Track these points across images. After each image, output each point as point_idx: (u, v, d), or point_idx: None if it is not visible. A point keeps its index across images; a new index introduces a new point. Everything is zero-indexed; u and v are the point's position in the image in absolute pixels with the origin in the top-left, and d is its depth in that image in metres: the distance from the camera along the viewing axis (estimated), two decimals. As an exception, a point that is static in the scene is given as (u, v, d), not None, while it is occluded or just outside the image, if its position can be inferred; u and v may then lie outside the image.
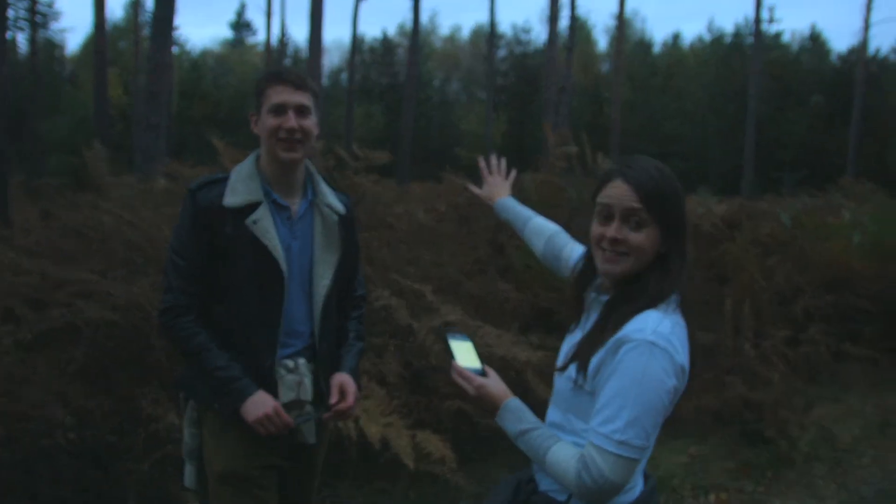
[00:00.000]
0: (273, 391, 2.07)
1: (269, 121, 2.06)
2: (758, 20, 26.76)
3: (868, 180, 12.10)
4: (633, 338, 1.49)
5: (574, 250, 2.04)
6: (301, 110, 2.07)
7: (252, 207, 2.05)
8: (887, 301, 6.35)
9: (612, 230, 1.57)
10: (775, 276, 6.11)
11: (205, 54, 51.16)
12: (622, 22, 25.55)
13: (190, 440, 2.15)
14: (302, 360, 2.13)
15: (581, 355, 1.59)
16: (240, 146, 7.58)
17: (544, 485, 1.69)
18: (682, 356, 1.51)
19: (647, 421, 1.48)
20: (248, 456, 2.07)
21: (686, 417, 4.82)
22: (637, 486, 1.66)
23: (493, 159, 2.46)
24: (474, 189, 2.45)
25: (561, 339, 4.55)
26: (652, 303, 1.55)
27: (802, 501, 4.15)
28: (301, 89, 2.08)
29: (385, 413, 3.38)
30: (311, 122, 2.10)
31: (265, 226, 2.05)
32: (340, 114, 34.06)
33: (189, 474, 2.18)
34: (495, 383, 1.70)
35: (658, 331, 1.49)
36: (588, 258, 1.76)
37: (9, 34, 33.51)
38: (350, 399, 2.15)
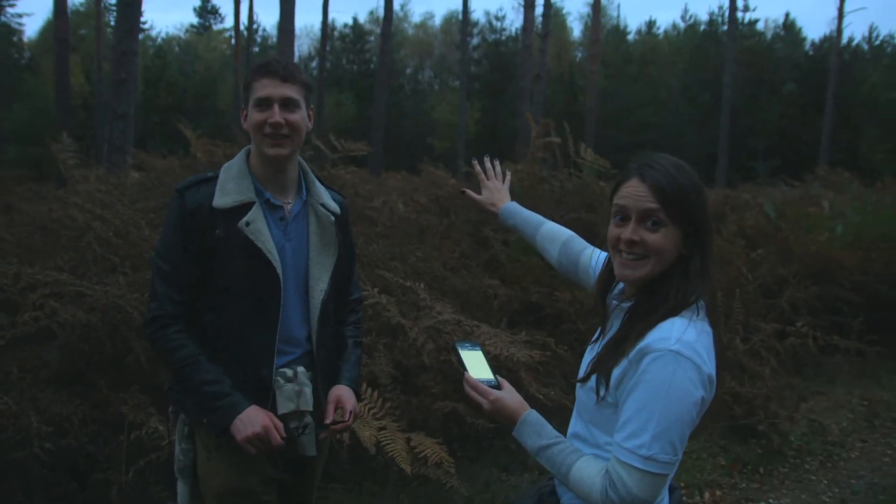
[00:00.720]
0: (271, 402, 1.95)
1: (255, 115, 1.94)
2: (732, 8, 26.88)
3: (842, 169, 12.22)
4: (656, 347, 1.41)
5: (592, 256, 1.94)
6: (287, 103, 1.95)
7: (244, 208, 1.93)
8: (871, 292, 6.37)
9: (627, 232, 1.50)
10: (760, 269, 6.09)
11: (170, 41, 50.24)
12: (597, 9, 25.45)
13: (182, 456, 2.01)
14: (301, 369, 2.01)
15: (602, 366, 1.51)
16: (208, 136, 7.39)
17: (567, 498, 1.63)
18: (709, 366, 1.43)
19: (674, 435, 1.40)
20: (249, 471, 1.96)
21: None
22: (664, 501, 1.59)
23: (488, 161, 2.32)
24: (473, 195, 2.30)
25: (550, 334, 4.46)
26: (675, 310, 1.46)
27: (797, 497, 4.12)
28: (288, 81, 1.95)
29: (378, 416, 3.26)
30: (298, 116, 1.97)
31: (258, 227, 1.92)
32: (311, 103, 33.63)
33: (182, 493, 2.04)
34: (511, 396, 1.61)
35: (683, 339, 1.40)
36: (609, 263, 1.66)
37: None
38: (348, 417, 2.06)
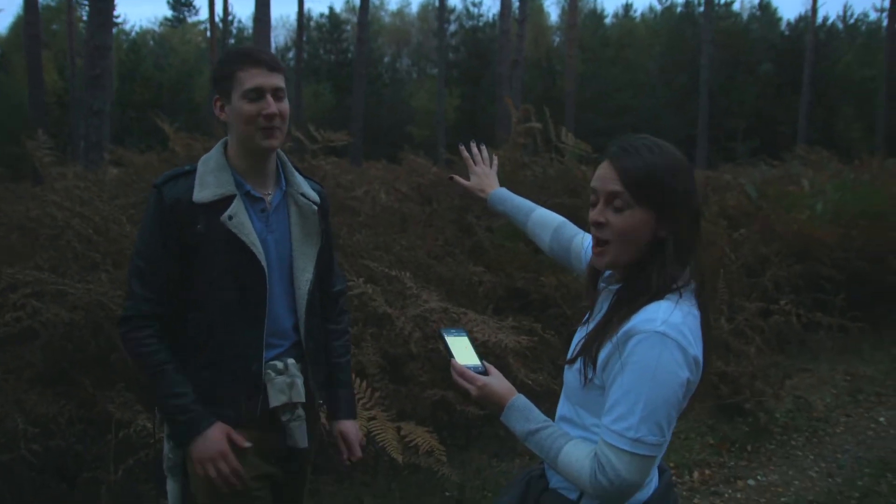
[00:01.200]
0: (262, 395, 1.94)
1: (246, 107, 1.88)
2: (708, -11, 26.93)
3: (819, 147, 12.33)
4: (642, 329, 1.40)
5: (584, 241, 1.93)
6: (277, 93, 1.91)
7: (225, 202, 1.89)
8: (852, 269, 6.45)
9: (595, 212, 1.50)
10: (743, 249, 6.14)
11: (144, 34, 49.62)
12: (573, -6, 25.43)
13: (171, 454, 1.98)
14: (291, 361, 1.99)
15: (589, 348, 1.51)
16: (184, 130, 7.32)
17: (555, 481, 1.63)
18: (696, 348, 1.42)
19: (661, 416, 1.40)
20: (248, 466, 1.93)
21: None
22: (652, 481, 1.60)
23: (475, 147, 2.29)
24: (462, 182, 2.26)
25: (536, 319, 4.47)
26: (659, 293, 1.45)
27: (784, 473, 4.17)
28: (276, 70, 1.91)
29: (367, 406, 3.25)
30: (286, 106, 1.94)
31: (241, 220, 1.89)
32: (289, 93, 33.39)
33: (173, 492, 2.02)
34: (498, 381, 1.61)
35: (669, 321, 1.40)
36: None
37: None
38: (357, 451, 2.16)
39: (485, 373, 1.61)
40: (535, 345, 3.78)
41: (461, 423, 4.13)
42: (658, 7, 48.39)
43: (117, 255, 3.83)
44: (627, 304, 1.47)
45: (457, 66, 41.23)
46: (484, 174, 2.25)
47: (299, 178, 2.08)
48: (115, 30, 38.09)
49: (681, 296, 1.45)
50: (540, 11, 47.77)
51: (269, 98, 1.89)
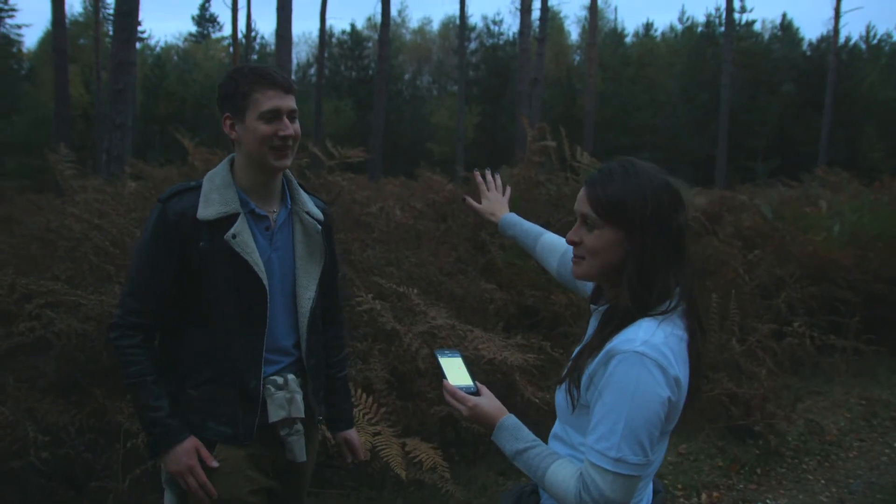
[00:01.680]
0: (261, 410, 1.96)
1: (261, 127, 1.90)
2: (729, 9, 26.92)
3: (840, 168, 12.23)
4: (621, 349, 1.43)
5: None
6: (292, 115, 1.95)
7: (229, 220, 1.91)
8: (868, 291, 6.38)
9: (570, 232, 1.58)
10: (757, 270, 6.10)
11: (168, 50, 50.35)
12: (594, 12, 25.53)
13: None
14: (291, 376, 2.02)
15: (575, 369, 1.54)
16: (205, 145, 7.42)
17: (546, 499, 1.65)
18: (676, 368, 1.43)
19: (642, 436, 1.42)
20: (238, 482, 1.95)
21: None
22: (643, 502, 1.61)
23: (489, 174, 2.37)
24: (474, 204, 2.33)
25: (546, 338, 4.47)
26: (635, 312, 1.48)
27: (794, 497, 4.13)
28: (290, 92, 1.95)
29: (373, 422, 3.27)
30: (299, 127, 1.98)
31: (244, 239, 1.91)
32: (309, 109, 33.73)
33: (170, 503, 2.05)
34: (489, 401, 1.64)
35: (649, 341, 1.42)
36: None
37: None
38: (361, 454, 2.29)
39: (477, 393, 1.64)
40: (542, 363, 3.78)
41: (468, 439, 4.13)
42: (679, 26, 48.46)
43: (130, 268, 3.89)
44: (609, 325, 1.51)
45: (477, 84, 41.46)
46: (496, 199, 2.32)
47: (304, 196, 2.10)
48: (139, 45, 38.81)
49: (665, 317, 1.47)
50: (560, 30, 47.93)
51: (286, 120, 1.92)
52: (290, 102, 1.94)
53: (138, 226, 4.27)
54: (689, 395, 1.50)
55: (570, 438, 1.59)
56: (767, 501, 4.07)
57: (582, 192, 1.56)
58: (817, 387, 5.84)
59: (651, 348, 1.41)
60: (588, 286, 1.91)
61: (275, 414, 1.97)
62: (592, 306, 1.68)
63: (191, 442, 1.90)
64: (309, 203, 2.10)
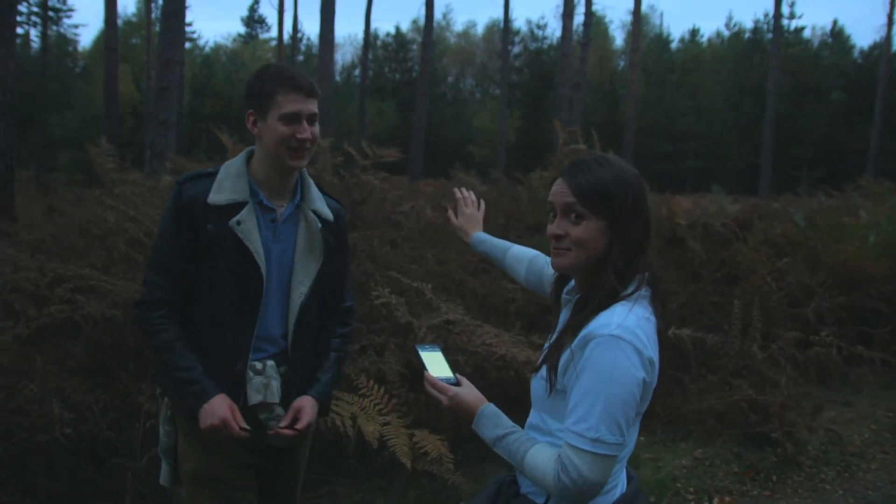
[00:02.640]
0: (243, 394, 2.03)
1: (281, 128, 1.99)
2: (777, 15, 26.46)
3: (888, 179, 11.94)
4: (598, 333, 1.49)
5: None
6: (312, 118, 2.03)
7: (237, 207, 2.00)
8: (900, 302, 6.26)
9: (553, 226, 1.61)
10: (787, 278, 6.04)
11: (217, 50, 51.35)
12: (638, 17, 25.35)
13: (165, 438, 2.13)
14: (271, 363, 2.08)
15: (551, 356, 1.60)
16: (249, 143, 7.61)
17: (525, 487, 1.69)
18: (650, 350, 1.51)
19: (619, 416, 1.47)
20: (221, 456, 2.03)
21: (690, 419, 4.76)
22: (618, 487, 1.66)
23: (465, 191, 2.49)
24: (452, 219, 2.47)
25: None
26: (608, 298, 1.54)
27: (808, 506, 4.09)
28: (313, 96, 2.03)
29: (383, 412, 3.35)
30: (317, 130, 2.07)
31: (248, 227, 2.00)
32: (353, 110, 34.09)
33: (165, 473, 2.16)
34: (468, 391, 1.70)
35: (623, 325, 1.48)
36: None
37: (21, 29, 33.85)
38: (301, 426, 2.05)
39: (457, 384, 1.71)
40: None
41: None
42: (725, 32, 47.80)
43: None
44: (584, 311, 1.56)
45: (519, 88, 41.43)
46: (471, 216, 2.44)
47: (315, 194, 2.17)
48: (188, 45, 39.64)
49: (635, 301, 1.54)
50: (605, 35, 47.64)
51: (305, 123, 2.01)
52: (311, 106, 2.01)
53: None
54: (659, 375, 1.56)
55: (546, 426, 1.63)
56: (781, 508, 4.04)
57: (561, 184, 1.61)
58: (844, 398, 5.75)
59: (626, 331, 1.48)
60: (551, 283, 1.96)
61: (252, 397, 2.03)
62: (564, 297, 1.73)
63: (223, 398, 1.97)
64: (318, 201, 2.15)
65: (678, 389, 4.93)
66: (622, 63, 46.43)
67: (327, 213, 2.16)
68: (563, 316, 1.70)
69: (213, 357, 2.01)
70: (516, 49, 43.48)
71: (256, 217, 2.04)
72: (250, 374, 2.05)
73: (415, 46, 44.20)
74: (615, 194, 1.56)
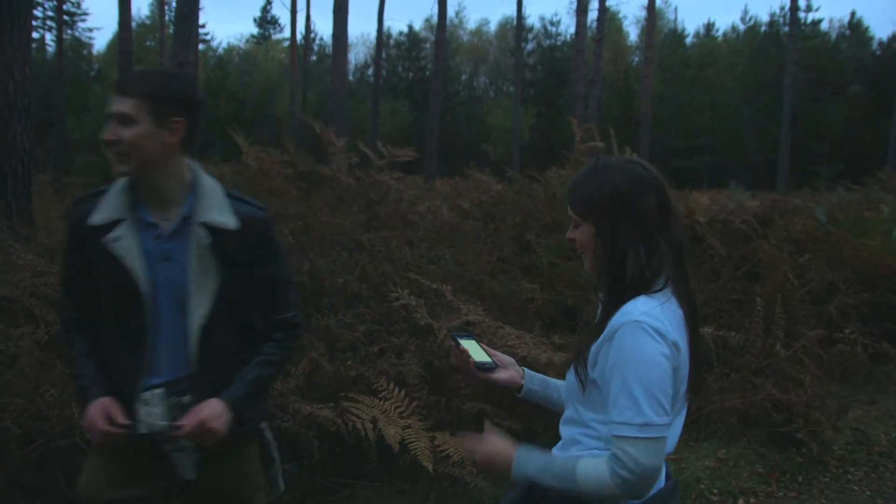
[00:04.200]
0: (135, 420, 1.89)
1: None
2: (794, 8, 26.17)
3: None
4: (622, 322, 1.53)
5: None
6: (122, 118, 1.81)
7: (113, 225, 1.87)
8: (926, 299, 6.15)
9: (567, 232, 1.74)
10: (809, 274, 5.96)
11: (230, 51, 51.63)
12: (652, 12, 25.21)
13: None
14: (159, 391, 1.87)
15: (581, 347, 1.64)
16: (265, 144, 7.61)
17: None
18: (674, 334, 1.53)
19: (659, 395, 1.50)
20: (111, 483, 1.93)
21: (713, 419, 4.70)
22: (658, 484, 1.65)
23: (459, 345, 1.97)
24: (497, 379, 1.89)
25: (584, 337, 4.45)
26: (634, 291, 1.58)
27: (835, 507, 4.02)
28: (123, 94, 1.82)
29: (403, 415, 3.32)
30: (135, 133, 1.81)
31: (126, 245, 1.86)
32: (366, 110, 34.12)
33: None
34: (495, 440, 1.70)
35: (645, 311, 1.53)
36: None
37: (37, 34, 34.17)
38: (189, 421, 1.83)
39: (494, 367, 1.85)
40: (575, 361, 3.78)
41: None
42: (741, 26, 47.40)
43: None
44: (609, 305, 1.62)
45: (533, 85, 41.33)
46: (510, 364, 1.94)
47: (213, 203, 1.94)
48: (202, 47, 39.83)
49: (659, 294, 1.58)
50: (619, 31, 47.43)
51: (113, 123, 1.84)
52: (119, 105, 1.82)
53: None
54: (693, 378, 1.60)
55: (580, 416, 1.65)
56: (807, 510, 3.97)
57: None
58: (869, 396, 5.66)
59: (647, 316, 1.52)
60: None
61: (140, 427, 1.86)
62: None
63: (101, 401, 1.85)
64: (216, 211, 1.92)
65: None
66: (636, 59, 46.22)
67: (227, 223, 1.91)
68: (596, 314, 1.75)
69: (110, 379, 1.91)
70: (530, 46, 43.37)
71: (138, 234, 1.88)
72: (138, 405, 1.86)
73: (428, 45, 44.20)
74: (589, 198, 1.64)
